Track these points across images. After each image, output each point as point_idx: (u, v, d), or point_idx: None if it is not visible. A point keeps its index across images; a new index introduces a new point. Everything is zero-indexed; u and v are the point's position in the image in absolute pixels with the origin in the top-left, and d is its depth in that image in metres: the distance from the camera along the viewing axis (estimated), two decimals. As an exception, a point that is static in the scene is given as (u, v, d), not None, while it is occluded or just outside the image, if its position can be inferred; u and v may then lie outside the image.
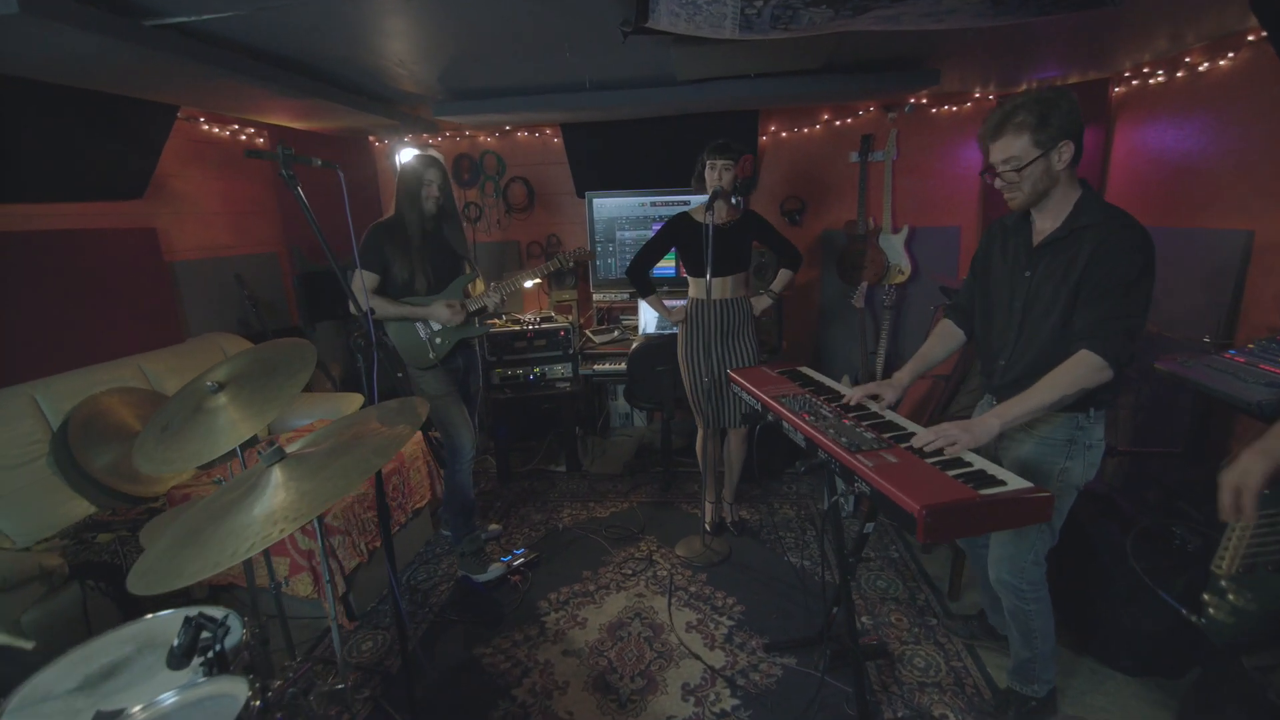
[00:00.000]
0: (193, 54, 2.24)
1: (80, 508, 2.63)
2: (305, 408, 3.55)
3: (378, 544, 2.70)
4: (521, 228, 4.64)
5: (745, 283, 2.83)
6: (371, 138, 4.63)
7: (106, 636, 1.27)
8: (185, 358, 3.30)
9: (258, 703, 0.95)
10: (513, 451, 4.02)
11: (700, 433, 2.94)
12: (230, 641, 1.20)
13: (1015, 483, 1.36)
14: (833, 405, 1.82)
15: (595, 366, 3.79)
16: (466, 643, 2.38)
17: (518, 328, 3.68)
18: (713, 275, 2.57)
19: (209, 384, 1.69)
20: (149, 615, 1.35)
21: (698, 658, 2.23)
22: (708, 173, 2.64)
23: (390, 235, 2.55)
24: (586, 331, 4.09)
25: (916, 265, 4.02)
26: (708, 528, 3.02)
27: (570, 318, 3.92)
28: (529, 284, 2.96)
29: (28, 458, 2.56)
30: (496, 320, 3.75)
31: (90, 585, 2.24)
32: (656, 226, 3.48)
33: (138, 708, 0.99)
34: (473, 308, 2.67)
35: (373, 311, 2.39)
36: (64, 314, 2.92)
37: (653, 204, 4.10)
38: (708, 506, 3.05)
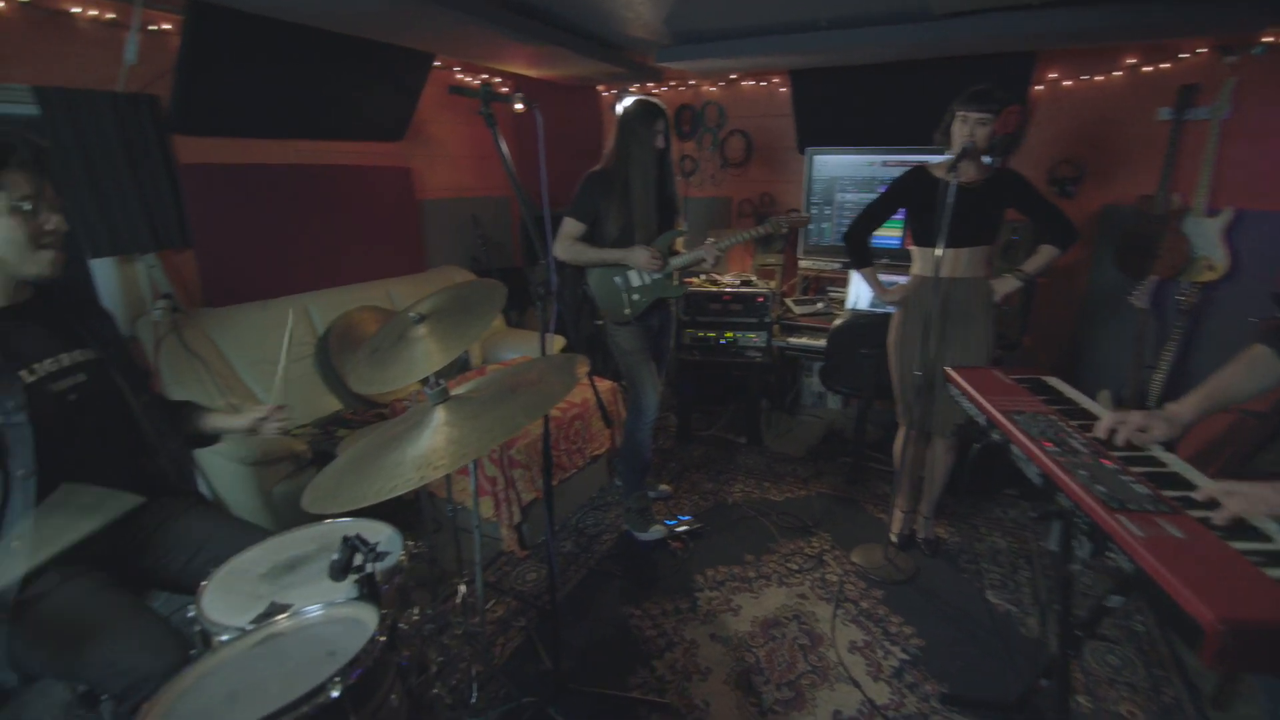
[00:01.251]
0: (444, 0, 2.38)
1: (331, 404, 3.11)
2: (514, 342, 3.82)
3: (555, 482, 2.82)
4: (735, 183, 4.43)
5: (986, 260, 2.35)
6: (600, 87, 4.71)
7: (297, 532, 1.43)
8: (422, 285, 3.71)
9: (383, 638, 0.95)
10: (694, 414, 3.96)
11: (901, 431, 2.57)
12: (385, 564, 1.26)
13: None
14: (1087, 436, 1.40)
15: (791, 339, 3.52)
16: (619, 598, 2.39)
17: (715, 289, 3.53)
18: (946, 245, 2.15)
19: (413, 315, 1.80)
20: (327, 520, 1.49)
21: (857, 685, 1.98)
22: (957, 126, 2.20)
23: (606, 185, 2.47)
24: (787, 300, 3.81)
25: (1237, 261, 3.05)
26: (893, 539, 2.67)
27: (772, 284, 3.67)
28: (732, 243, 2.77)
29: (298, 355, 3.07)
30: (694, 280, 3.64)
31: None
32: (883, 189, 3.06)
33: (284, 615, 1.06)
34: (680, 262, 2.55)
35: (556, 263, 2.40)
36: (335, 238, 3.42)
37: (884, 163, 3.62)
38: (898, 515, 2.69)
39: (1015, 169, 2.38)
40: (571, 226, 2.50)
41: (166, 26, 2.62)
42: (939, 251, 2.15)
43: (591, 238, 2.53)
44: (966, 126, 2.17)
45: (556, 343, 3.74)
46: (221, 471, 2.56)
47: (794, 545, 2.73)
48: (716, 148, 4.39)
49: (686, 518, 2.84)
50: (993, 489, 3.17)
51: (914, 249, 2.43)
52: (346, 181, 3.43)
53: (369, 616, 1.03)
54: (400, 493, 0.99)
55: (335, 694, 0.83)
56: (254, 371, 2.89)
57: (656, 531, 2.72)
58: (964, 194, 2.17)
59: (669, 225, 2.58)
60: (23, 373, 1.24)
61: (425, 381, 1.33)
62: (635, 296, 2.57)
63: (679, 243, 2.65)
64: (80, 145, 2.40)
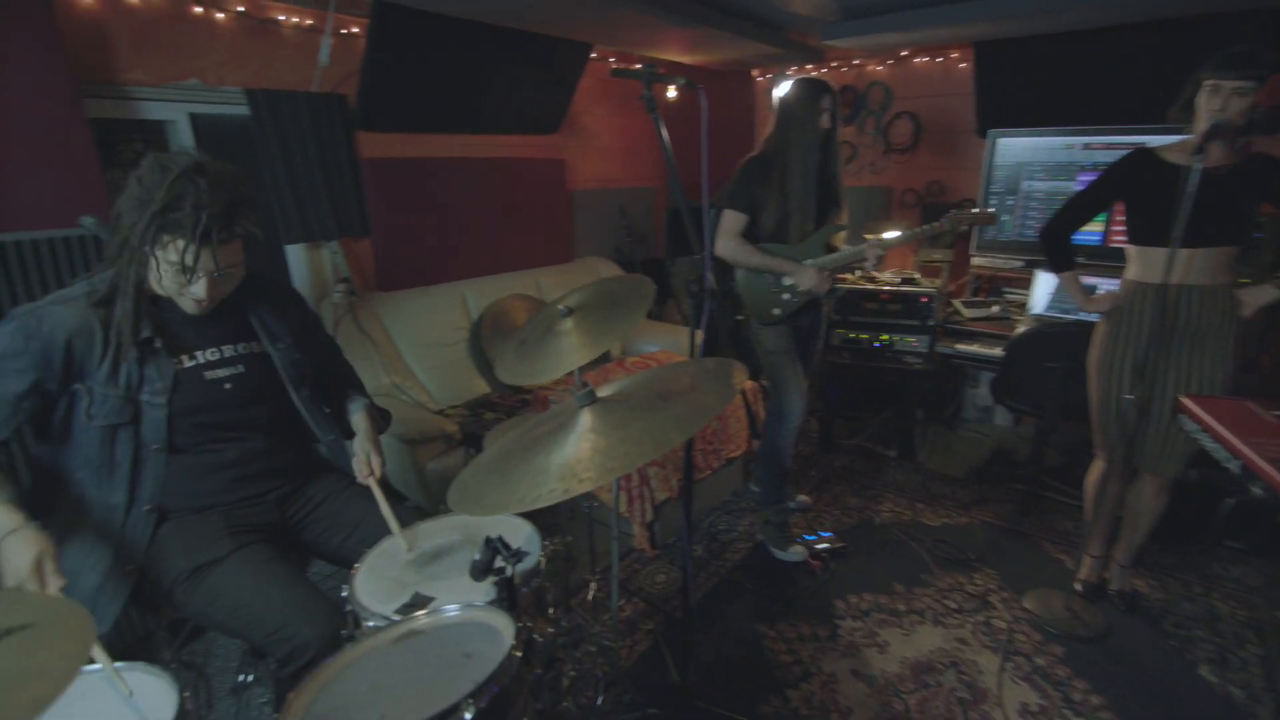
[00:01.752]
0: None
1: (481, 386, 3.26)
2: (653, 335, 3.78)
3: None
4: (899, 171, 4.05)
5: (1230, 264, 1.91)
6: (755, 71, 4.51)
7: (443, 519, 1.45)
8: (569, 276, 3.77)
9: (519, 654, 0.91)
10: (839, 420, 3.69)
11: (1099, 464, 2.19)
12: (524, 566, 1.24)
13: None
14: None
15: (958, 345, 3.15)
16: (751, 613, 2.26)
17: (872, 287, 3.25)
18: (1182, 245, 1.77)
19: (561, 309, 1.79)
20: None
21: (1030, 757, 1.71)
22: (1205, 98, 1.79)
23: (764, 173, 2.28)
24: (955, 302, 3.42)
25: None
26: (1079, 587, 2.29)
27: (937, 283, 3.30)
28: (898, 241, 2.50)
29: (454, 340, 3.24)
30: (848, 277, 3.37)
31: (470, 453, 2.74)
32: (1085, 178, 2.62)
33: (424, 612, 1.06)
34: (835, 260, 2.33)
35: (712, 259, 2.28)
36: (492, 229, 3.56)
37: (1086, 146, 3.12)
38: (1087, 560, 2.30)
39: (1273, 154, 1.90)
40: (733, 220, 2.31)
41: (355, 30, 2.83)
42: (1173, 250, 1.76)
43: (748, 229, 2.36)
44: (1218, 98, 1.76)
45: (697, 338, 3.64)
46: (384, 443, 2.76)
47: (952, 579, 2.43)
48: (880, 132, 4.04)
49: (828, 535, 2.64)
50: (1209, 538, 2.63)
51: (1131, 249, 2.03)
52: (505, 173, 3.55)
53: (505, 626, 1.00)
54: (542, 505, 0.93)
55: (469, 716, 0.80)
56: (414, 352, 3.08)
57: (796, 554, 2.54)
58: (1209, 182, 1.76)
59: (829, 217, 2.38)
60: (182, 358, 1.35)
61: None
62: (787, 297, 2.40)
63: (839, 238, 2.43)
64: (280, 141, 2.66)
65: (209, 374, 1.37)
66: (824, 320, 2.66)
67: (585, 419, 1.16)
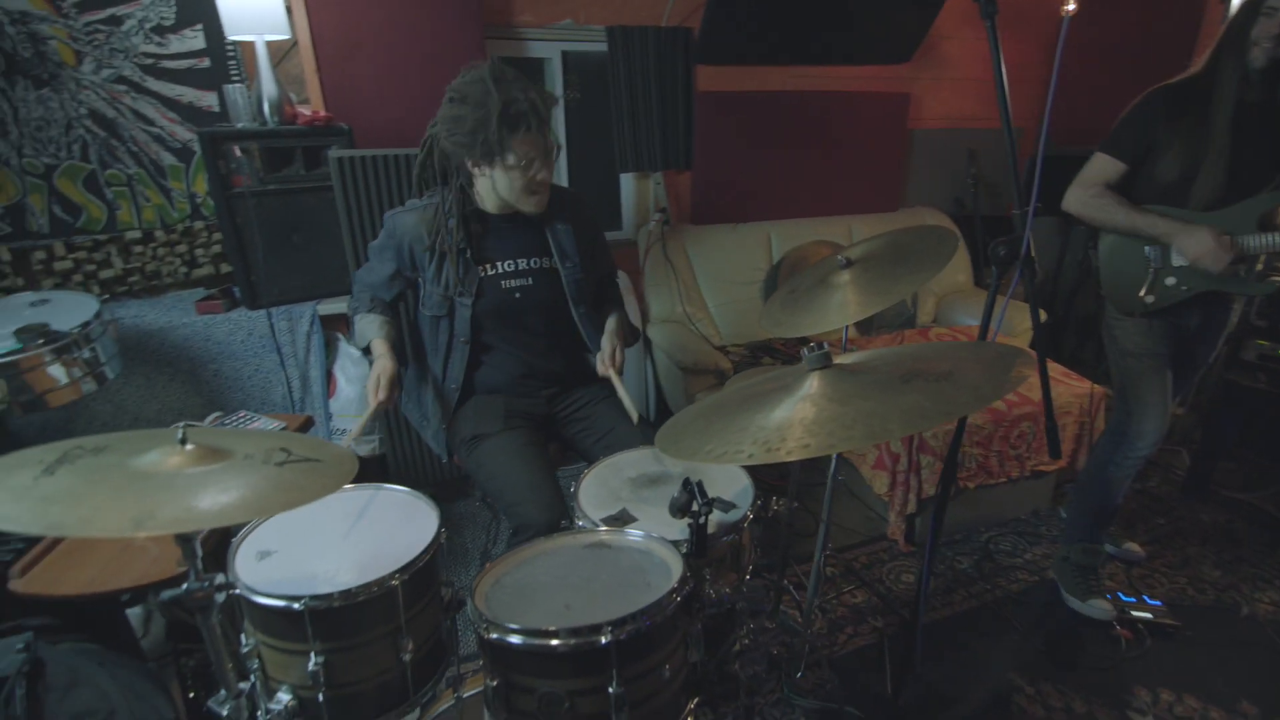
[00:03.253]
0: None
1: (763, 331, 3.23)
2: (977, 306, 3.24)
3: (970, 485, 2.35)
4: None
5: None
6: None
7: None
8: (888, 226, 3.41)
9: (677, 599, 0.91)
10: (1228, 462, 2.72)
11: None
12: (728, 517, 1.22)
13: None
14: None
15: None
16: (1008, 657, 1.89)
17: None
18: None
19: (840, 259, 1.64)
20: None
21: None
22: None
23: (1176, 105, 1.68)
24: None
25: None
26: None
27: None
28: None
29: (751, 280, 3.24)
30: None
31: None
32: None
33: (604, 528, 1.12)
34: (1255, 247, 1.68)
35: (1064, 218, 1.79)
36: (810, 168, 3.39)
37: None
38: None
39: None
40: (1103, 166, 1.77)
41: (707, -40, 2.85)
42: None
43: (1133, 182, 1.78)
44: None
45: (1024, 313, 3.01)
46: (662, 366, 2.97)
47: (1358, 732, 1.66)
48: None
49: (1156, 603, 2.02)
50: None
51: None
52: (834, 108, 3.31)
53: (676, 569, 1.00)
54: (727, 464, 0.89)
55: (605, 640, 0.83)
56: (711, 286, 3.18)
57: (1099, 609, 2.01)
58: None
59: (1266, 183, 1.66)
60: (484, 267, 1.58)
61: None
62: (1170, 281, 1.78)
63: (1281, 212, 1.69)
64: (628, 74, 2.89)
65: (504, 283, 1.61)
66: (1228, 323, 1.93)
67: (812, 384, 1.05)
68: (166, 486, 0.75)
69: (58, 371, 1.68)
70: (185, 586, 0.87)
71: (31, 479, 0.72)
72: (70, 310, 1.77)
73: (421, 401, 1.73)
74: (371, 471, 2.51)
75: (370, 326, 1.60)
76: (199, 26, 2.25)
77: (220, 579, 0.90)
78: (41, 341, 1.63)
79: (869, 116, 3.39)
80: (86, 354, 1.71)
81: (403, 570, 1.11)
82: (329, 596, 1.06)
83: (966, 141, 3.59)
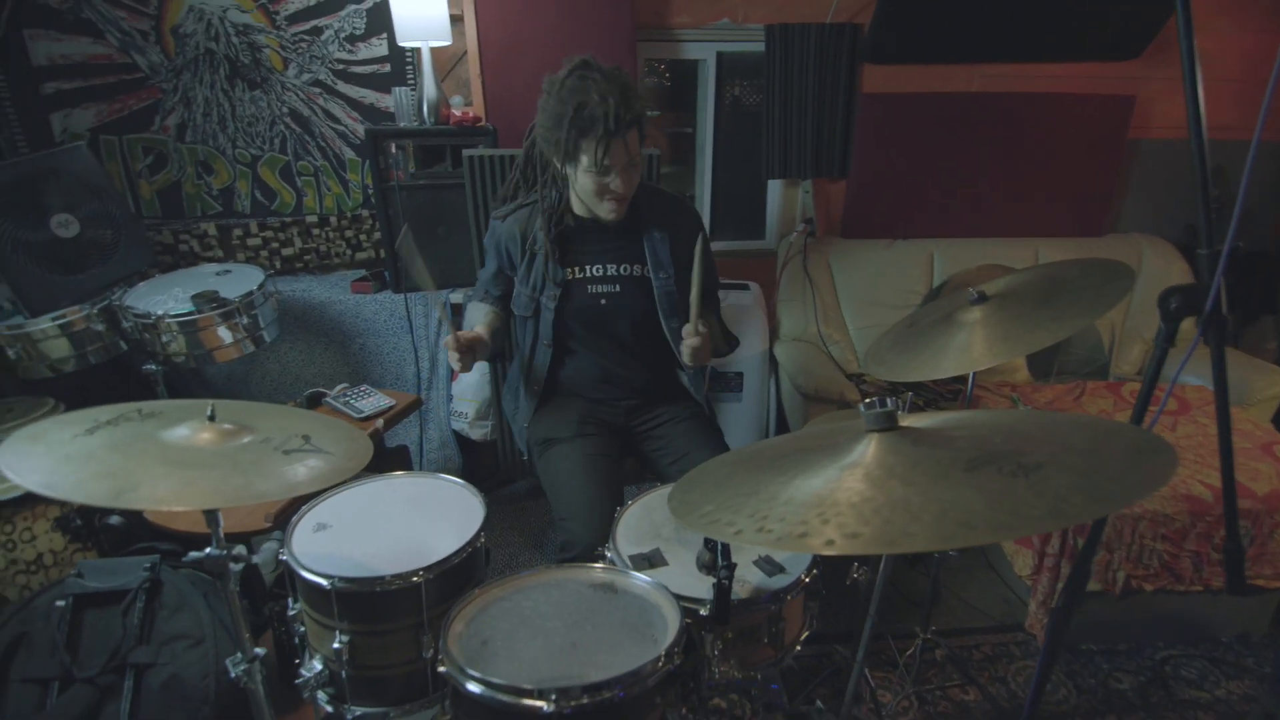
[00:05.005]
0: None
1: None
2: (1204, 363, 2.59)
3: (1147, 587, 1.88)
4: None
5: None
6: None
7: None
8: (1086, 253, 2.83)
9: (661, 665, 0.79)
10: None
11: None
12: (775, 584, 1.07)
13: None
14: None
15: None
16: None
17: None
18: None
19: (972, 292, 1.39)
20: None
21: None
22: None
23: None
24: None
25: None
26: None
27: None
28: None
29: (903, 304, 2.88)
30: None
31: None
32: None
33: (638, 574, 1.02)
34: None
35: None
36: (992, 180, 2.95)
37: None
38: None
39: None
40: None
41: (885, -52, 2.58)
42: None
43: None
44: None
45: (1262, 388, 2.35)
46: (785, 389, 2.76)
47: None
48: None
49: None
50: None
51: None
52: (1030, 112, 2.84)
53: (669, 634, 0.88)
54: (724, 540, 0.75)
55: (547, 709, 0.74)
56: (854, 307, 2.90)
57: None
58: None
59: None
60: (572, 270, 1.52)
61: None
62: None
63: None
64: (784, 75, 2.71)
65: (591, 288, 1.56)
66: None
67: (868, 449, 0.85)
68: (168, 461, 0.80)
69: (224, 333, 1.95)
70: (207, 551, 0.94)
71: (71, 436, 0.80)
72: (243, 281, 2.06)
73: (516, 397, 1.76)
74: (485, 456, 2.63)
75: (476, 313, 1.65)
76: (384, 35, 2.50)
77: (239, 549, 0.96)
78: (213, 306, 1.90)
79: (1076, 122, 2.86)
80: (246, 320, 1.97)
81: (428, 569, 1.11)
82: (356, 581, 1.09)
83: (1213, 156, 2.89)
